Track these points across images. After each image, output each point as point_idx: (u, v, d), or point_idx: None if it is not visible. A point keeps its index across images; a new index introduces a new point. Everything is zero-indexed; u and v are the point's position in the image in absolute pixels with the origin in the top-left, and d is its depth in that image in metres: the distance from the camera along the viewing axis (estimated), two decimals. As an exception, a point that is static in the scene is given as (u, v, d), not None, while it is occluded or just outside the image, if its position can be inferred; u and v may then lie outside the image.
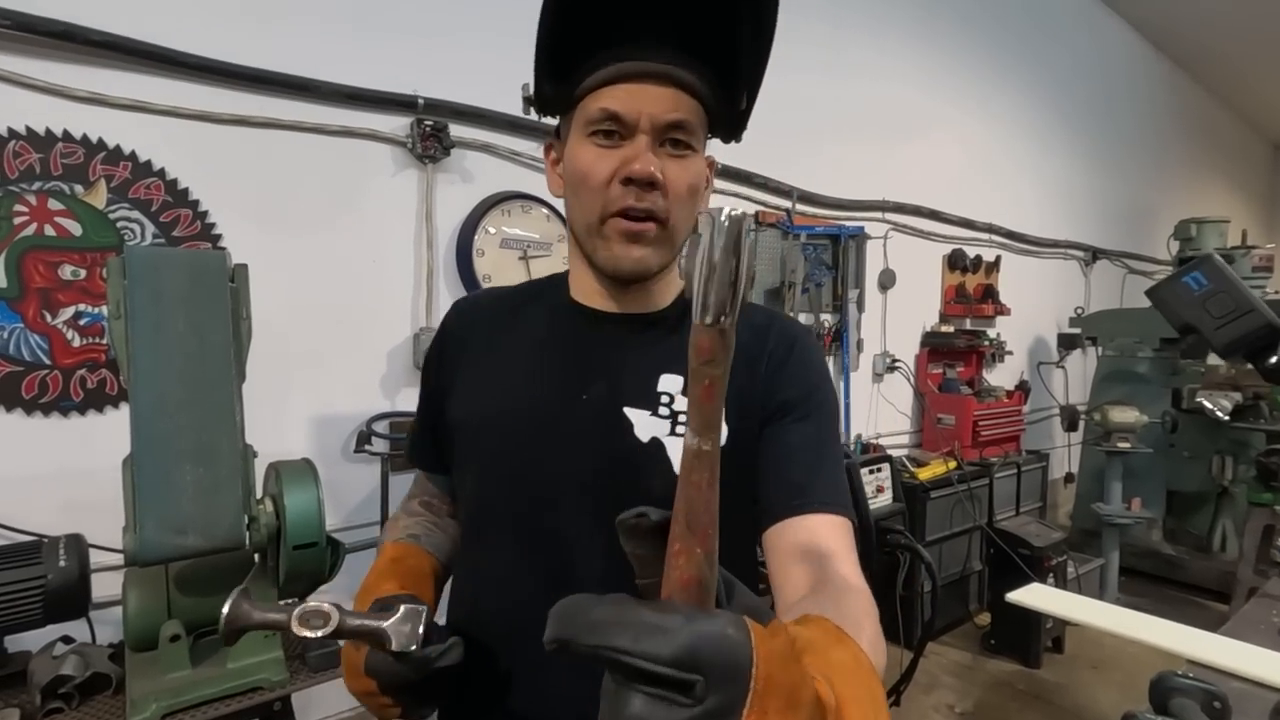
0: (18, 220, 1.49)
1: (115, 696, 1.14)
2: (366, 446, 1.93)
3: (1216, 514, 3.89)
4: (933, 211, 3.84)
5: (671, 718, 0.31)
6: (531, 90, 0.74)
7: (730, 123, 0.76)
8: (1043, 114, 4.78)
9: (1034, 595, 1.66)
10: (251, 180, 1.78)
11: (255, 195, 1.79)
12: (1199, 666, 1.20)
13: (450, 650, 0.63)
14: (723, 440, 0.38)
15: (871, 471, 2.93)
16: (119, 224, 1.60)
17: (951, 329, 3.90)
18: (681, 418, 0.71)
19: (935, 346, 3.84)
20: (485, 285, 2.09)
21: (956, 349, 3.91)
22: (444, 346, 0.86)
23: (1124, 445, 3.38)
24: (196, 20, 1.67)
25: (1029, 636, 2.99)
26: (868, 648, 0.44)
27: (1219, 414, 3.36)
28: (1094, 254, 5.32)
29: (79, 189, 1.55)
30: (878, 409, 3.66)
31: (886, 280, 3.60)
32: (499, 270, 2.14)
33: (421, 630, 0.58)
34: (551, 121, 0.78)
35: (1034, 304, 4.65)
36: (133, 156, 1.61)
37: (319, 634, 0.54)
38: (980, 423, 3.64)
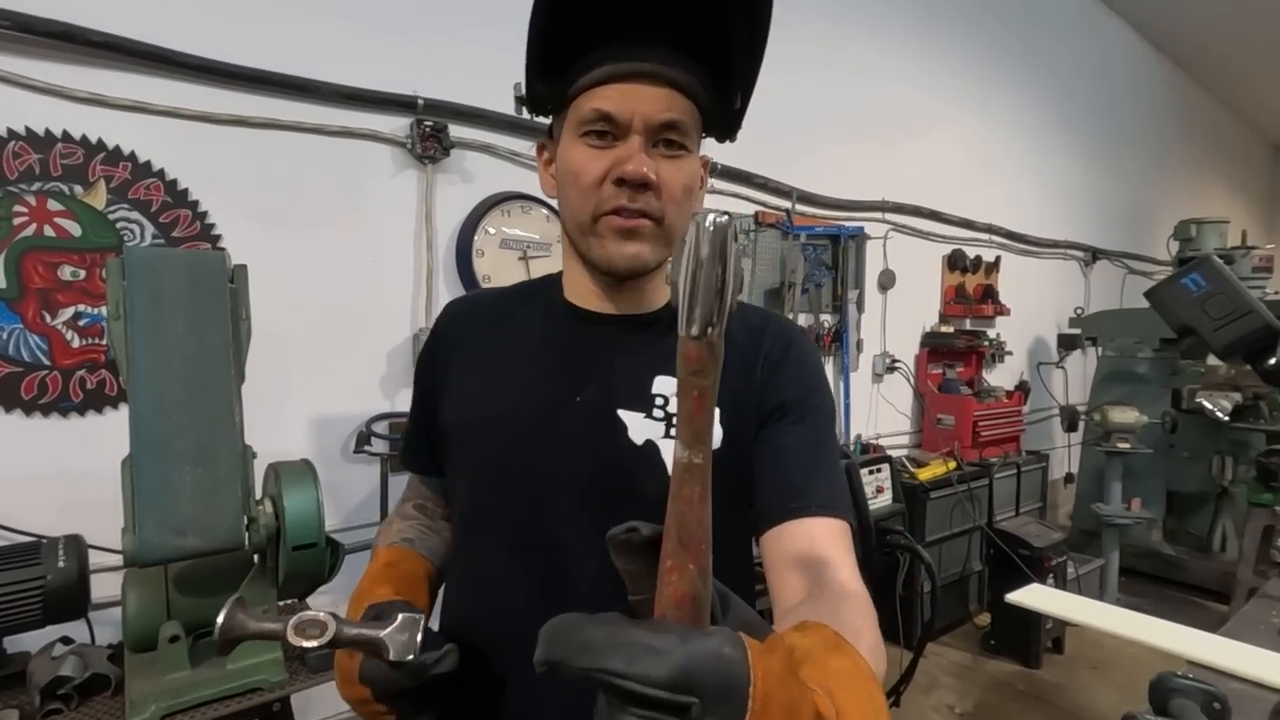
0: (17, 221, 1.49)
1: (114, 697, 1.14)
2: (366, 447, 1.93)
3: (1216, 514, 3.89)
4: (932, 212, 3.84)
5: None
6: (524, 90, 0.73)
7: (725, 122, 0.75)
8: (1043, 114, 4.78)
9: (1034, 596, 1.66)
10: (251, 181, 1.78)
11: (255, 196, 1.79)
12: (1199, 667, 1.20)
13: (445, 657, 0.63)
14: (717, 443, 0.37)
15: (871, 472, 2.93)
16: (118, 224, 1.60)
17: (951, 329, 3.90)
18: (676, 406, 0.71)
19: (935, 347, 3.84)
20: (485, 286, 2.09)
21: (956, 349, 3.91)
22: (436, 348, 0.85)
23: (1124, 445, 3.38)
24: (196, 21, 1.67)
25: (1029, 637, 2.99)
26: (867, 654, 0.43)
27: (1219, 414, 3.36)
28: (1094, 254, 5.32)
29: (78, 189, 1.55)
30: (877, 409, 3.66)
31: (886, 280, 3.60)
32: (499, 271, 2.14)
33: (419, 639, 0.58)
34: (547, 121, 0.78)
35: (1034, 304, 4.65)
36: (132, 157, 1.61)
37: (315, 644, 0.54)
38: (980, 423, 3.64)
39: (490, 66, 2.10)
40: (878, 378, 3.64)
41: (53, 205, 1.53)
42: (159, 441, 1.00)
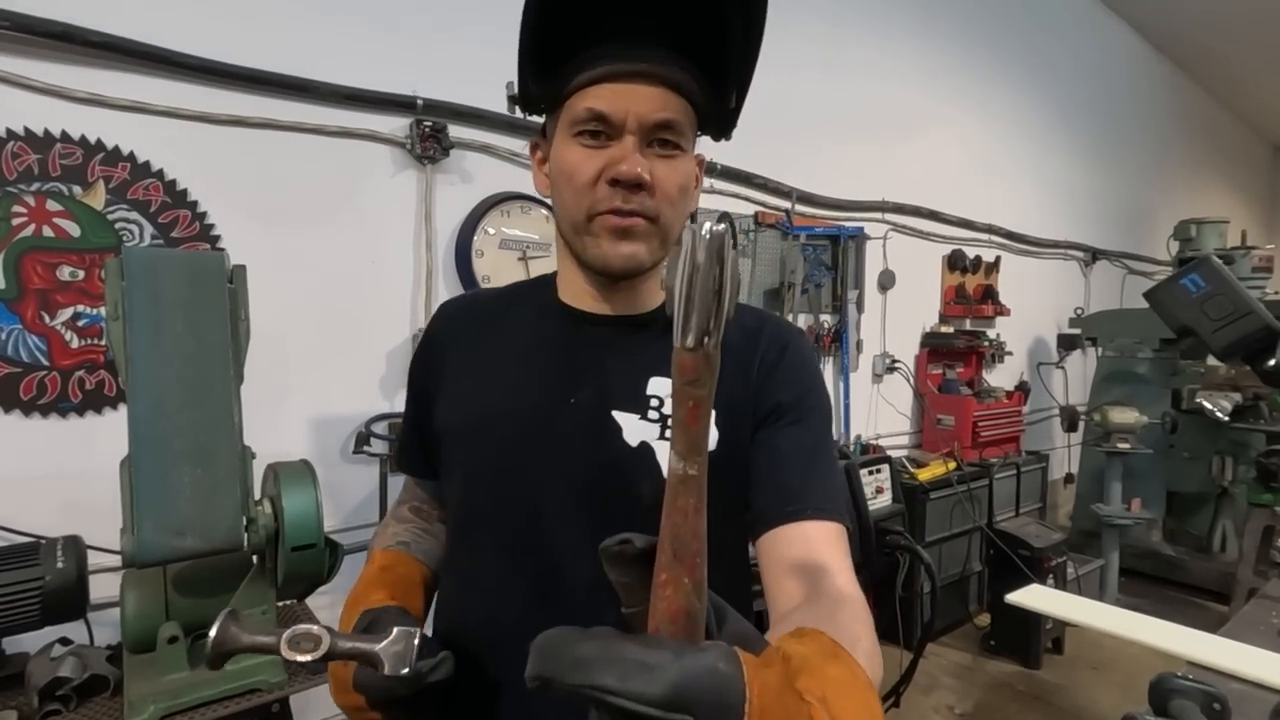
0: (16, 221, 1.49)
1: (113, 698, 1.13)
2: (365, 447, 1.93)
3: (1216, 515, 3.89)
4: (932, 212, 3.84)
5: None
6: (516, 89, 0.73)
7: (720, 121, 0.74)
8: (1043, 114, 4.78)
9: (1034, 596, 1.66)
10: (250, 181, 1.78)
11: (254, 196, 1.78)
12: (1199, 668, 1.20)
13: (440, 665, 0.62)
14: (713, 445, 0.37)
15: (871, 472, 2.93)
16: (117, 225, 1.60)
17: (951, 330, 3.89)
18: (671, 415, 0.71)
19: (935, 347, 3.84)
20: (484, 286, 2.09)
21: (956, 350, 3.91)
22: (430, 350, 0.85)
23: (1124, 446, 3.38)
24: (195, 21, 1.67)
25: (1029, 637, 2.99)
26: (864, 660, 0.43)
27: (1219, 415, 3.36)
28: (1094, 254, 5.32)
29: (77, 190, 1.55)
30: (877, 410, 3.65)
31: (886, 281, 3.60)
32: (498, 271, 2.14)
33: (414, 652, 0.57)
34: (542, 120, 0.77)
35: (1034, 304, 4.65)
36: (131, 157, 1.61)
37: (309, 658, 0.53)
38: (980, 423, 3.64)
39: (490, 66, 2.09)
40: (877, 378, 3.63)
41: (52, 205, 1.52)
42: (158, 442, 1.00)
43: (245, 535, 1.07)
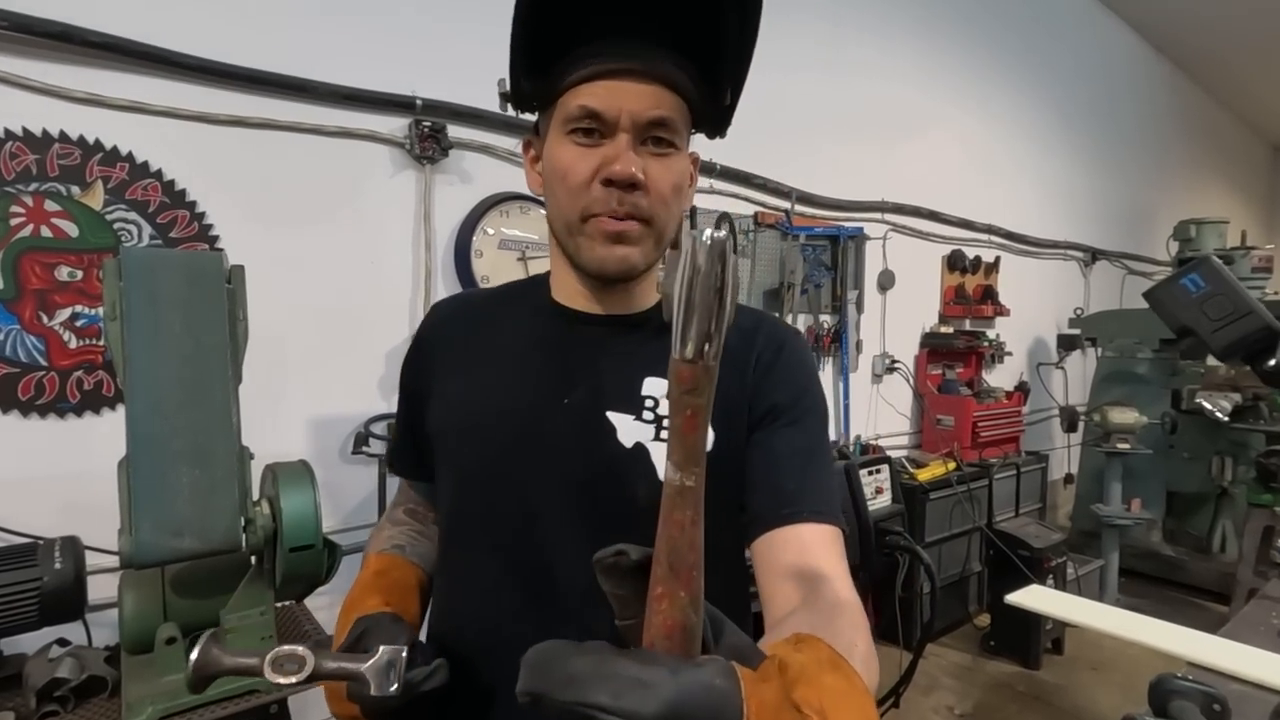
0: (14, 221, 1.48)
1: (111, 699, 1.13)
2: (364, 448, 1.92)
3: (1216, 515, 3.89)
4: (932, 212, 3.84)
5: None
6: (508, 86, 0.72)
7: (715, 119, 0.73)
8: (1043, 114, 4.78)
9: (1033, 597, 1.66)
10: (249, 181, 1.77)
11: (253, 196, 1.78)
12: (1198, 668, 1.20)
13: (435, 674, 0.62)
14: (709, 447, 0.36)
15: (871, 473, 2.93)
16: (116, 225, 1.60)
17: (951, 330, 3.89)
18: (667, 421, 0.70)
19: (934, 347, 3.84)
20: (483, 286, 2.09)
21: (956, 350, 3.91)
22: (422, 350, 0.84)
23: (1123, 446, 3.38)
24: (194, 21, 1.67)
25: (1028, 638, 2.99)
26: (860, 667, 0.43)
27: (1218, 415, 3.36)
28: (1093, 255, 5.32)
29: (76, 190, 1.55)
30: (877, 410, 3.65)
31: (886, 281, 3.60)
32: (497, 271, 2.14)
33: (401, 670, 0.57)
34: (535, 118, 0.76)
35: (1033, 305, 4.65)
36: (130, 157, 1.61)
37: (294, 680, 0.53)
38: (980, 424, 3.63)
39: (489, 67, 2.08)
40: (877, 378, 3.63)
41: (50, 206, 1.52)
42: (156, 442, 1.00)
43: (243, 536, 1.07)
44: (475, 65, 2.09)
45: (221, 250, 1.70)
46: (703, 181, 2.66)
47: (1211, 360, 3.62)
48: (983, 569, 3.41)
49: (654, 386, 0.71)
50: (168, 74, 1.64)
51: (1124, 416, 3.40)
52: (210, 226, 1.72)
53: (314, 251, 1.88)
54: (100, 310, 1.56)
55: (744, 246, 2.98)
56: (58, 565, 1.11)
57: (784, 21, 3.01)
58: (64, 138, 1.53)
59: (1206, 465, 3.71)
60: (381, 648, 0.57)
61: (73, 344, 1.55)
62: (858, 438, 3.43)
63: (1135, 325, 4.03)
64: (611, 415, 0.70)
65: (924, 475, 3.26)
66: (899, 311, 3.69)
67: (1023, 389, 4.15)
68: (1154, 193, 6.32)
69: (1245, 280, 3.29)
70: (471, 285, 2.11)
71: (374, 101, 1.94)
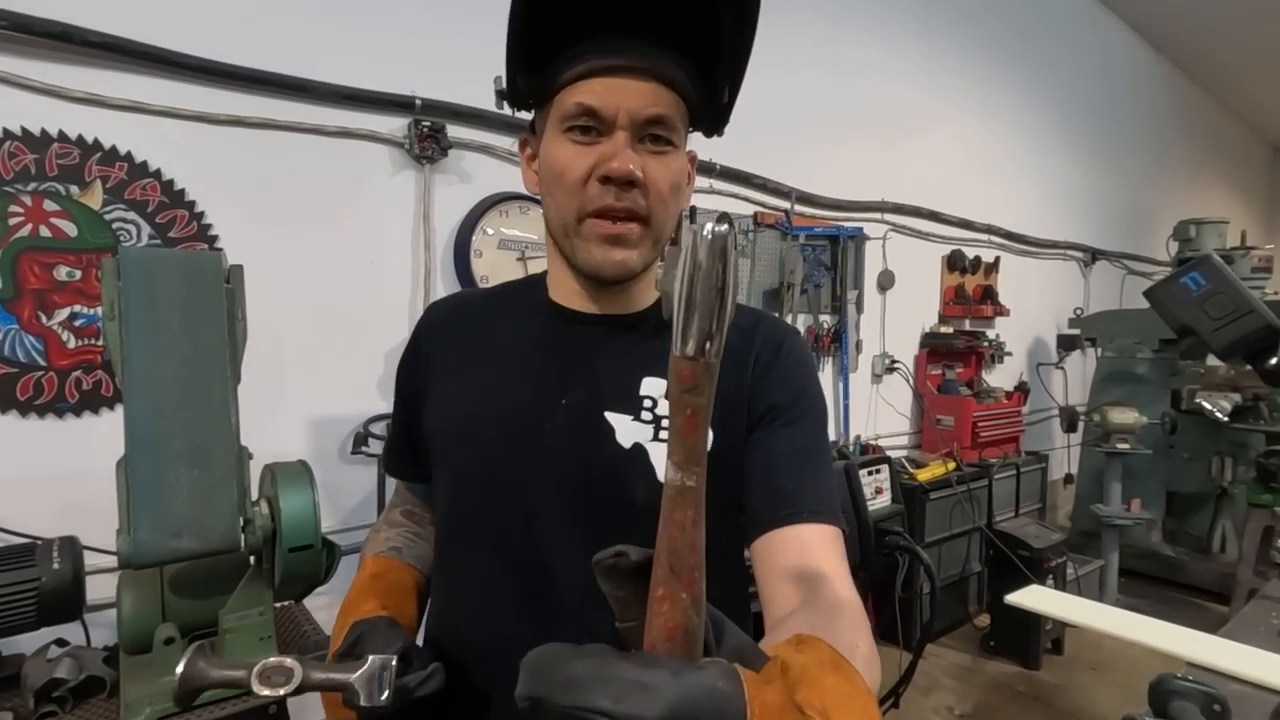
0: (13, 221, 1.48)
1: (109, 700, 1.13)
2: (363, 448, 1.92)
3: (1216, 515, 3.89)
4: (932, 212, 3.84)
5: None
6: (504, 83, 0.71)
7: (712, 117, 0.73)
8: (1043, 114, 4.78)
9: (1033, 597, 1.66)
10: (248, 181, 1.77)
11: (252, 196, 1.78)
12: (1198, 669, 1.20)
13: (430, 679, 0.61)
14: (708, 447, 0.36)
15: (870, 473, 2.92)
16: (115, 225, 1.60)
17: (951, 330, 3.89)
18: (666, 422, 0.69)
19: (934, 347, 3.84)
20: (482, 287, 2.09)
21: (956, 350, 3.91)
22: (418, 351, 0.83)
23: (1123, 446, 3.38)
24: (193, 21, 1.67)
25: (1028, 638, 2.99)
26: (862, 666, 0.42)
27: (1218, 415, 3.36)
28: (1093, 255, 5.32)
29: (74, 190, 1.55)
30: (877, 410, 3.65)
31: (885, 281, 3.60)
32: (497, 271, 2.14)
33: (390, 680, 0.56)
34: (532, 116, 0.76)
35: (1033, 305, 4.65)
36: (129, 157, 1.61)
37: (282, 692, 0.52)
38: (979, 424, 3.63)
39: (489, 66, 2.06)
40: (877, 378, 3.63)
41: (49, 205, 1.52)
42: (154, 442, 0.99)
43: (242, 536, 1.06)
44: (475, 65, 2.09)
45: (220, 250, 1.69)
46: (702, 181, 2.66)
47: (1211, 360, 3.62)
48: (982, 569, 3.41)
49: (652, 386, 0.70)
50: (167, 74, 1.64)
51: (1124, 416, 3.40)
52: (209, 226, 1.72)
53: (313, 251, 1.88)
54: (99, 310, 1.56)
55: (744, 246, 2.98)
56: (56, 565, 1.10)
57: (783, 21, 3.01)
58: (63, 137, 1.53)
59: (1206, 465, 3.71)
60: (370, 657, 0.57)
61: (71, 344, 1.55)
62: (857, 438, 3.42)
63: (1135, 325, 4.03)
64: (610, 416, 0.70)
65: (924, 475, 3.26)
66: (899, 311, 3.69)
67: (1022, 389, 4.15)
68: (1154, 193, 6.32)
69: (1245, 280, 3.28)
70: (471, 285, 2.11)
71: (373, 101, 1.94)
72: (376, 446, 1.93)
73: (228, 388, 1.07)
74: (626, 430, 0.69)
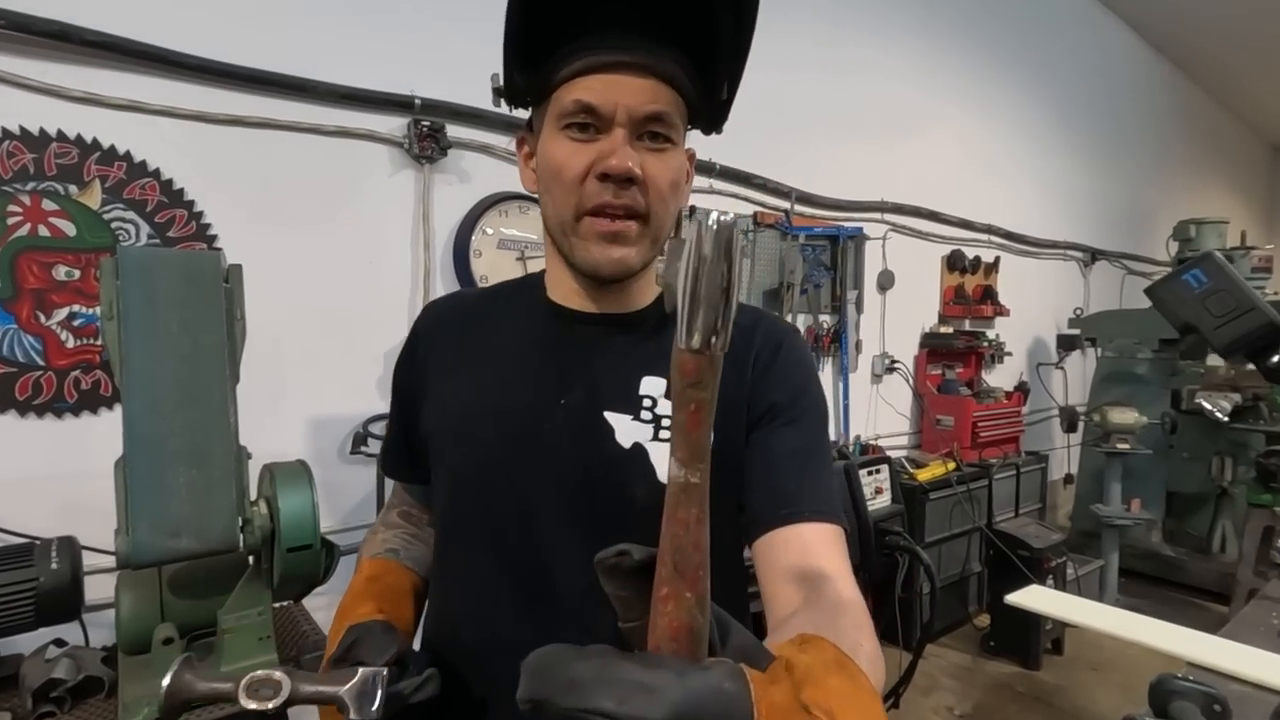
0: (11, 221, 1.48)
1: (108, 700, 1.13)
2: (362, 448, 1.92)
3: (1216, 515, 3.89)
4: (932, 212, 3.83)
5: None
6: (501, 81, 0.70)
7: (711, 114, 0.72)
8: (1043, 114, 4.78)
9: (1033, 597, 1.65)
10: (247, 181, 1.77)
11: (251, 196, 1.78)
12: (1199, 669, 1.19)
13: (426, 685, 0.61)
14: (710, 443, 0.35)
15: (870, 473, 2.92)
16: (113, 224, 1.59)
17: (950, 330, 3.89)
18: (665, 421, 0.68)
19: (934, 348, 3.83)
20: (482, 286, 2.08)
21: (955, 350, 3.91)
22: (415, 350, 0.82)
23: (1123, 446, 3.38)
24: (192, 20, 1.66)
25: (1028, 638, 2.99)
26: (866, 666, 0.42)
27: (1218, 415, 3.35)
28: (1093, 255, 5.32)
29: (73, 189, 1.54)
30: (876, 410, 3.65)
31: (885, 281, 3.59)
32: (496, 271, 2.14)
33: (382, 693, 0.56)
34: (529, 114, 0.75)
35: (1033, 305, 4.65)
36: (127, 157, 1.60)
37: (270, 706, 0.51)
38: (979, 424, 3.63)
39: (488, 66, 2.07)
40: (877, 378, 3.63)
41: (47, 205, 1.52)
42: (153, 442, 0.99)
43: (241, 536, 1.06)
44: (474, 64, 2.09)
45: (219, 250, 1.69)
46: (701, 181, 2.66)
47: (1211, 360, 3.63)
48: (982, 569, 3.40)
49: (651, 386, 0.70)
50: (166, 73, 1.64)
51: (1124, 416, 3.39)
52: (208, 226, 1.72)
53: (312, 251, 1.87)
54: (98, 310, 1.55)
55: (744, 246, 2.97)
56: (54, 565, 1.10)
57: (783, 21, 3.01)
58: (62, 137, 1.53)
59: (1206, 465, 3.71)
60: (360, 670, 0.56)
61: (70, 343, 1.55)
62: (857, 438, 3.42)
63: (1135, 325, 4.03)
64: (609, 415, 0.69)
65: (924, 475, 3.25)
66: (898, 311, 3.69)
67: (1022, 389, 4.14)
68: (1154, 193, 6.32)
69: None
70: (470, 285, 2.11)
71: (373, 101, 1.94)
72: (375, 446, 1.93)
73: (226, 387, 1.07)
74: (626, 430, 0.69)
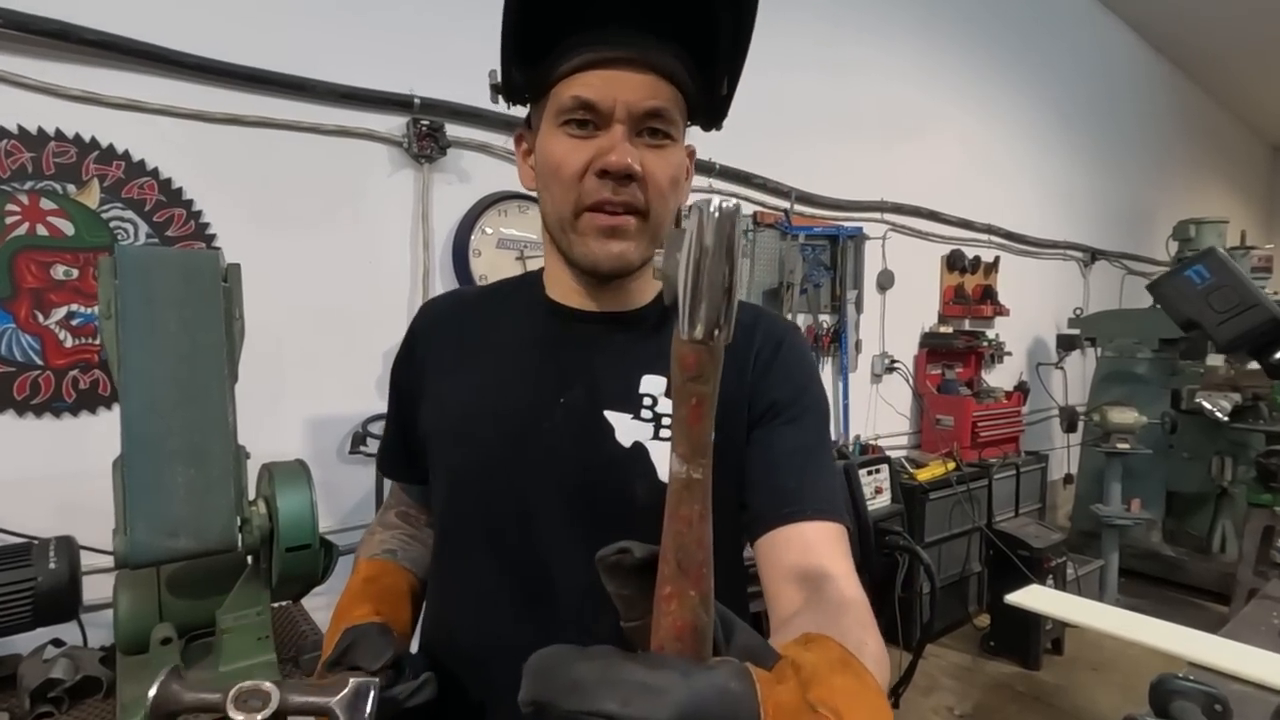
0: (10, 220, 1.48)
1: (106, 700, 1.12)
2: (361, 448, 1.92)
3: (1216, 515, 3.88)
4: (931, 212, 3.83)
5: None
6: (499, 77, 0.70)
7: (711, 109, 0.71)
8: (1043, 114, 4.78)
9: (1033, 597, 1.65)
10: (246, 180, 1.77)
11: (250, 195, 1.78)
12: (1199, 669, 1.19)
13: (422, 689, 0.60)
14: (712, 438, 0.35)
15: (870, 473, 2.92)
16: (112, 224, 1.59)
17: (950, 330, 3.89)
18: (666, 420, 0.68)
19: (934, 347, 3.83)
20: (480, 285, 2.08)
21: (955, 350, 3.90)
22: (413, 350, 0.82)
23: (1123, 446, 3.38)
24: (192, 19, 1.66)
25: (1028, 638, 2.98)
26: (871, 665, 0.42)
27: (1218, 415, 3.35)
28: (1093, 255, 5.32)
29: (72, 188, 1.54)
30: (876, 410, 3.65)
31: (885, 281, 3.59)
32: (495, 271, 2.13)
33: (374, 703, 0.55)
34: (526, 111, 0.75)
35: (1033, 305, 4.65)
36: (126, 156, 1.60)
37: (258, 717, 0.51)
38: (979, 424, 3.63)
39: (487, 65, 2.07)
40: (876, 378, 3.63)
41: (45, 204, 1.52)
42: (151, 442, 0.99)
43: (239, 536, 1.06)
44: (473, 64, 2.07)
45: (218, 249, 1.68)
46: (701, 181, 2.66)
47: (1211, 359, 3.63)
48: (982, 569, 3.40)
49: (652, 384, 0.70)
50: (165, 72, 1.64)
51: (1124, 416, 3.39)
52: (207, 225, 1.71)
53: (311, 250, 1.87)
54: (96, 309, 1.55)
55: (744, 246, 2.97)
56: (52, 565, 1.10)
57: (783, 20, 3.00)
58: (60, 136, 1.53)
59: (1206, 465, 3.71)
60: (351, 680, 0.56)
61: (68, 343, 1.55)
62: (857, 438, 3.42)
63: (1135, 325, 4.04)
64: (609, 414, 0.69)
65: (923, 475, 3.25)
66: (898, 311, 3.69)
67: (1022, 389, 4.14)
68: (1153, 193, 6.32)
69: (1245, 280, 3.28)
70: (469, 284, 2.11)
71: (372, 100, 1.94)
72: (375, 446, 1.92)
73: (225, 387, 1.07)
74: (626, 429, 0.68)
